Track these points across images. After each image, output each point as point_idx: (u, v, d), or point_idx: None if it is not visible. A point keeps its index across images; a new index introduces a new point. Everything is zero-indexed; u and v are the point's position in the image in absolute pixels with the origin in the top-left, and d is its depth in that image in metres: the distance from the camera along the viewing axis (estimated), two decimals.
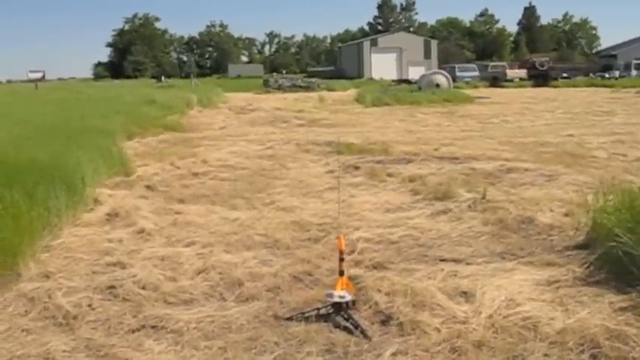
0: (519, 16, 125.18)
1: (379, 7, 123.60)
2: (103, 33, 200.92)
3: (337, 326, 4.49)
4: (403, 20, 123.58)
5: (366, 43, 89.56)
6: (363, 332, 4.36)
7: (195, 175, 11.12)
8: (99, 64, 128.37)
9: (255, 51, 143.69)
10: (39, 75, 74.09)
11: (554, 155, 12.33)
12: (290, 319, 4.64)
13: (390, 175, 10.56)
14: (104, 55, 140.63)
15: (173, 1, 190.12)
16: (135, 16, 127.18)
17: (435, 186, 9.21)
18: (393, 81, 57.57)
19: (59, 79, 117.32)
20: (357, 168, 11.31)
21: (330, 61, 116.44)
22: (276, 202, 8.70)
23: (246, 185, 10.08)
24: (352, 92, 40.03)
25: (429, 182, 9.59)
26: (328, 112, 26.46)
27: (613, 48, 79.55)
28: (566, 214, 7.39)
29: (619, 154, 12.44)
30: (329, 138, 15.73)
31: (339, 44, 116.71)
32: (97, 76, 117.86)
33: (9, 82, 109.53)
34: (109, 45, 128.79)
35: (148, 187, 9.98)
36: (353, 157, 12.33)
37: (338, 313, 4.61)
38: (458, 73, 54.54)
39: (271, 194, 9.25)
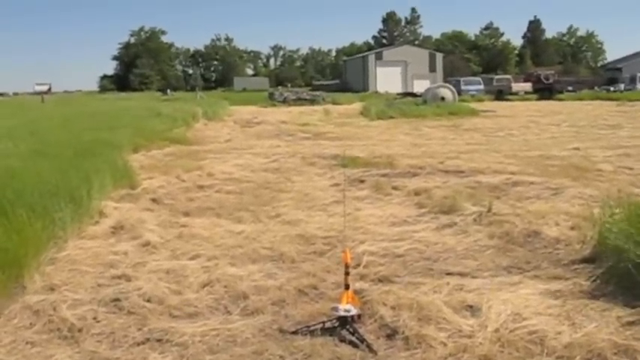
0: (524, 29, 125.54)
1: (384, 20, 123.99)
2: (109, 46, 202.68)
3: (343, 340, 4.47)
4: (408, 34, 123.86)
5: (371, 57, 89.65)
6: (368, 346, 4.34)
7: (201, 187, 11.11)
8: (105, 76, 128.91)
9: (261, 64, 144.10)
10: (45, 87, 74.63)
11: (560, 168, 12.30)
12: (295, 332, 4.62)
13: (395, 188, 10.54)
14: (110, 67, 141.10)
15: (179, 14, 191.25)
16: (141, 29, 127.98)
17: (440, 199, 9.20)
18: (398, 94, 57.57)
19: (65, 91, 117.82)
20: (362, 181, 11.29)
21: (335, 75, 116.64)
22: (281, 215, 8.69)
23: (252, 198, 10.08)
24: (357, 105, 40.01)
25: (435, 195, 9.57)
26: (333, 125, 26.51)
27: (618, 61, 79.61)
28: (573, 228, 7.35)
29: (625, 168, 12.39)
30: (334, 151, 15.73)
31: (344, 57, 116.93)
32: (103, 89, 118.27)
33: (15, 94, 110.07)
34: (115, 58, 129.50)
35: (154, 200, 9.96)
36: (358, 170, 12.30)
37: (343, 327, 4.59)
38: (463, 87, 54.57)
39: (276, 207, 9.24)
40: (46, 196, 7.38)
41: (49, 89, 76.98)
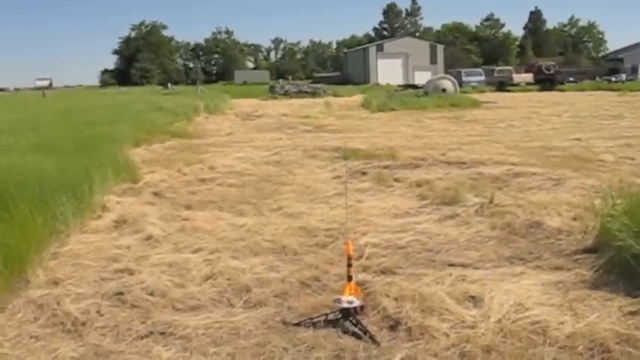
0: (525, 20, 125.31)
1: (385, 12, 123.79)
2: (109, 40, 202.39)
3: (346, 332, 4.48)
4: (409, 25, 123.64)
5: (372, 49, 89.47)
6: (371, 337, 4.35)
7: (203, 181, 11.12)
8: (105, 71, 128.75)
9: (261, 57, 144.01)
10: (46, 83, 74.56)
11: (561, 159, 12.30)
12: (298, 324, 4.63)
13: (397, 180, 10.54)
14: (110, 62, 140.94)
15: (179, 8, 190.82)
16: (142, 23, 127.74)
17: (442, 191, 9.20)
18: (399, 86, 57.50)
19: (66, 86, 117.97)
20: (364, 173, 11.29)
21: (336, 67, 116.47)
22: (283, 207, 8.69)
23: (253, 191, 10.08)
24: (358, 98, 40.00)
25: (437, 187, 9.57)
26: (334, 117, 26.47)
27: (619, 51, 79.47)
28: (575, 218, 7.36)
29: (627, 158, 12.38)
30: (335, 144, 15.72)
31: (345, 50, 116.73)
32: (104, 84, 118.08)
33: (16, 89, 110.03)
34: (116, 52, 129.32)
35: (156, 194, 9.97)
36: (360, 162, 12.29)
37: (346, 319, 4.60)
38: (464, 78, 54.49)
39: (278, 200, 9.24)
40: (47, 191, 7.38)
41: (50, 84, 76.94)
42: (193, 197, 9.78)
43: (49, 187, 7.51)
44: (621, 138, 15.83)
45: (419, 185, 9.96)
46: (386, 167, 11.83)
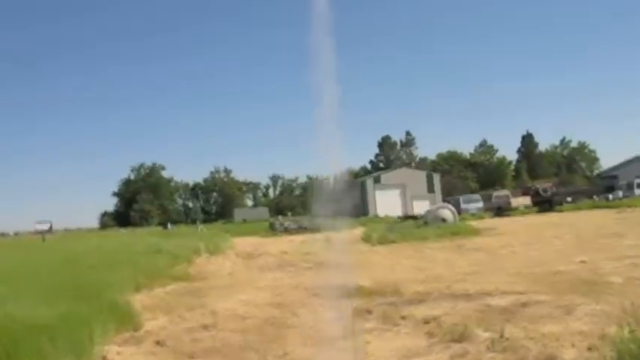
0: (518, 144, 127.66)
1: (379, 144, 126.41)
2: (108, 183, 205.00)
3: None
4: (404, 156, 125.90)
5: (369, 181, 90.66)
6: None
7: (205, 327, 10.91)
8: (105, 213, 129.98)
9: (260, 194, 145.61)
10: (46, 226, 74.83)
11: (568, 284, 12.18)
12: None
13: (403, 317, 10.37)
14: (110, 204, 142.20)
15: (178, 148, 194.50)
16: (141, 165, 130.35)
17: (450, 327, 9.01)
18: (398, 217, 57.99)
19: (66, 229, 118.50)
20: (369, 312, 11.13)
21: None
22: (288, 353, 8.48)
23: (257, 336, 9.87)
24: (358, 231, 40.17)
25: (444, 323, 9.40)
26: (335, 252, 26.38)
27: (614, 169, 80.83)
28: (589, 348, 7.18)
29: (634, 279, 12.27)
30: (338, 280, 15.57)
31: None
32: (104, 226, 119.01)
33: (16, 234, 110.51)
34: (115, 194, 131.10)
35: (157, 343, 9.76)
36: (364, 300, 12.19)
37: None
38: (463, 205, 55.11)
39: (283, 345, 9.04)
40: (46, 343, 7.22)
41: (50, 227, 77.18)
42: (196, 345, 9.54)
43: (49, 340, 7.35)
44: (626, 258, 15.78)
45: (426, 322, 9.77)
46: (391, 304, 11.68)
